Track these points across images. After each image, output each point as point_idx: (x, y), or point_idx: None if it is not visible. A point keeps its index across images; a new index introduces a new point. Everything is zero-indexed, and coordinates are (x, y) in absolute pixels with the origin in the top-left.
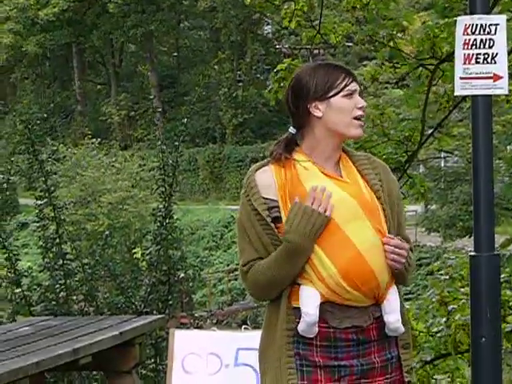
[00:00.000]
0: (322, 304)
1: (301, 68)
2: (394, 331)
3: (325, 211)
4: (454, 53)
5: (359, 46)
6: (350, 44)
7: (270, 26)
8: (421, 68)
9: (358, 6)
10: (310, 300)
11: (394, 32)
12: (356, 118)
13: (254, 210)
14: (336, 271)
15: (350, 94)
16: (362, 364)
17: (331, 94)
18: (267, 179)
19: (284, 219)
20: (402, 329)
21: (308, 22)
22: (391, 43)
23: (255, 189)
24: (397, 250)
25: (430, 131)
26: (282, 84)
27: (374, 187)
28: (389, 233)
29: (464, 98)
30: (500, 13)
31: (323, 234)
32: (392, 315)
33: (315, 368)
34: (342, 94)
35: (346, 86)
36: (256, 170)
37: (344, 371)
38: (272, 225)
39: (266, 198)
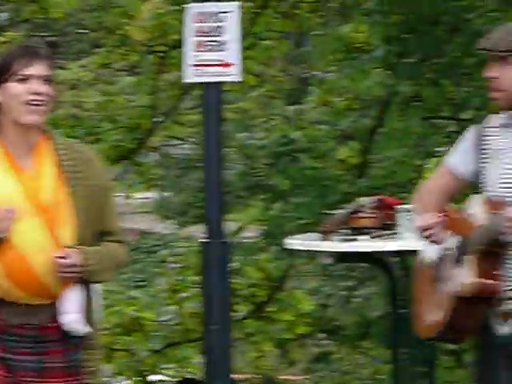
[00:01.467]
0: None
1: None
2: (72, 332)
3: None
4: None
5: (90, 33)
6: (86, 31)
7: (5, 14)
8: (152, 55)
9: None
10: None
11: (123, 19)
12: (28, 104)
13: None
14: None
15: (25, 79)
16: (39, 361)
17: (4, 78)
18: None
19: None
20: (81, 330)
21: None
22: (120, 31)
23: None
24: (63, 269)
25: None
26: None
27: (67, 181)
28: (79, 228)
29: (194, 85)
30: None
31: None
32: (65, 316)
33: None
34: (15, 78)
35: (19, 70)
36: None
37: (17, 366)
38: None
39: None
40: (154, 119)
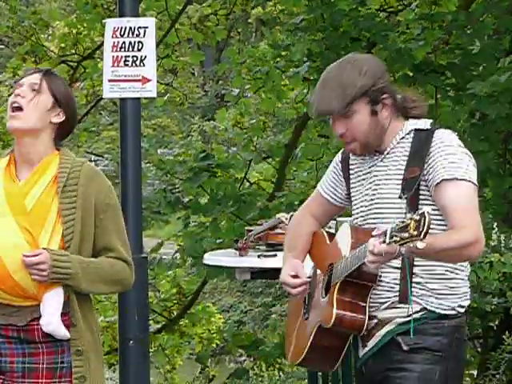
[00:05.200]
0: None
1: None
2: (53, 333)
3: None
4: (96, 50)
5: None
6: (2, 46)
7: None
8: (63, 64)
9: None
10: None
11: (37, 26)
12: (12, 109)
13: None
14: None
15: (15, 89)
16: (25, 362)
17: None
18: None
19: None
20: (60, 332)
21: None
22: (33, 38)
23: None
24: (33, 267)
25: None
26: None
27: (62, 194)
28: (68, 237)
29: (101, 99)
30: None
31: None
32: (44, 318)
33: None
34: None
35: (15, 83)
36: None
37: (5, 367)
38: None
39: None
40: None
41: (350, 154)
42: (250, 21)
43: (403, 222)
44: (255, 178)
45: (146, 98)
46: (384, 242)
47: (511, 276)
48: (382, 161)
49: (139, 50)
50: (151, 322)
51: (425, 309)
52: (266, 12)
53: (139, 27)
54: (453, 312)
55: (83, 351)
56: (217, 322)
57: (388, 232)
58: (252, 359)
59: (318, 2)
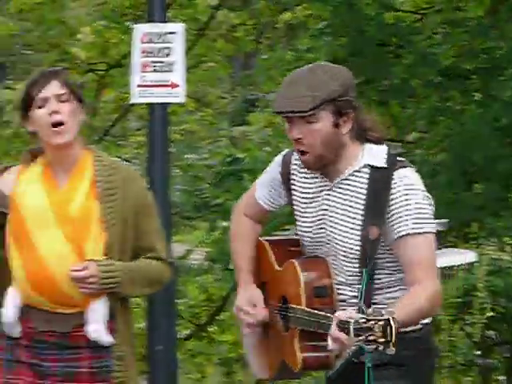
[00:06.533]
0: (27, 306)
1: None
2: (98, 340)
3: None
4: (123, 58)
5: (35, 53)
6: (30, 52)
7: None
8: (91, 73)
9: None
10: (10, 301)
11: (65, 35)
12: (52, 125)
13: None
14: (24, 275)
15: (43, 103)
16: (67, 367)
17: (28, 107)
18: (8, 182)
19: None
20: (106, 339)
21: None
22: (61, 46)
23: None
24: (81, 282)
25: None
26: None
27: (100, 198)
28: (110, 243)
29: (132, 105)
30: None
31: (20, 241)
32: (90, 325)
33: (21, 363)
34: (36, 104)
35: (35, 96)
36: (4, 170)
37: (47, 371)
38: None
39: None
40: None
41: (291, 169)
42: (277, 26)
43: (366, 320)
44: None
45: (174, 104)
46: (348, 333)
47: None
48: (333, 190)
49: (168, 56)
50: (180, 328)
51: None
52: (295, 16)
53: (168, 33)
54: (411, 328)
55: (124, 356)
56: None
57: (351, 329)
58: None
59: (343, 7)
